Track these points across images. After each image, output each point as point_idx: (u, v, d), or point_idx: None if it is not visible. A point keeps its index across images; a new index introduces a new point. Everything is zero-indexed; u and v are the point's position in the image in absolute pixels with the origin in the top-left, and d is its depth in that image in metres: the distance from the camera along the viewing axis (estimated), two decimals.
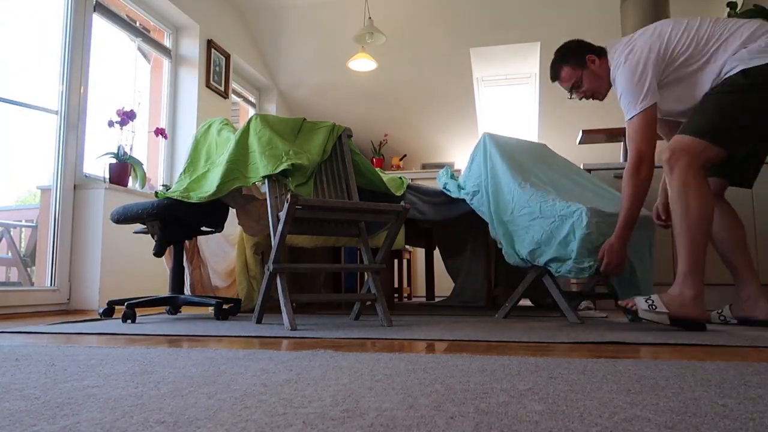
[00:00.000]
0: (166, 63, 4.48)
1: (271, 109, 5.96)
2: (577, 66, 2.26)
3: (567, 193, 2.46)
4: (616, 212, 2.25)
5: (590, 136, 4.01)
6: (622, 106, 2.09)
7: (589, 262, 2.20)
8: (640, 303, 1.91)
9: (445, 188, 2.90)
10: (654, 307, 1.89)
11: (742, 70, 1.92)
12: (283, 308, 2.02)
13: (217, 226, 2.70)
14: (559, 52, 2.34)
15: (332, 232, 2.35)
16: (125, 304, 2.34)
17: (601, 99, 2.31)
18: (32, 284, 3.53)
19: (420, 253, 5.29)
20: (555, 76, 2.36)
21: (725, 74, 1.97)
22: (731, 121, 1.96)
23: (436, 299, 4.13)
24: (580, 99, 2.37)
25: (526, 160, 2.66)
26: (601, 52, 2.24)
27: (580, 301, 2.85)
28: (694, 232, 1.90)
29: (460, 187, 2.78)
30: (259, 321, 2.21)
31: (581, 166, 3.21)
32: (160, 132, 3.86)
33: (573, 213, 2.26)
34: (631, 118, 2.05)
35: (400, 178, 3.03)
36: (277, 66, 5.78)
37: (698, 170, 1.94)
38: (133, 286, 3.45)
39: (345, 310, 3.16)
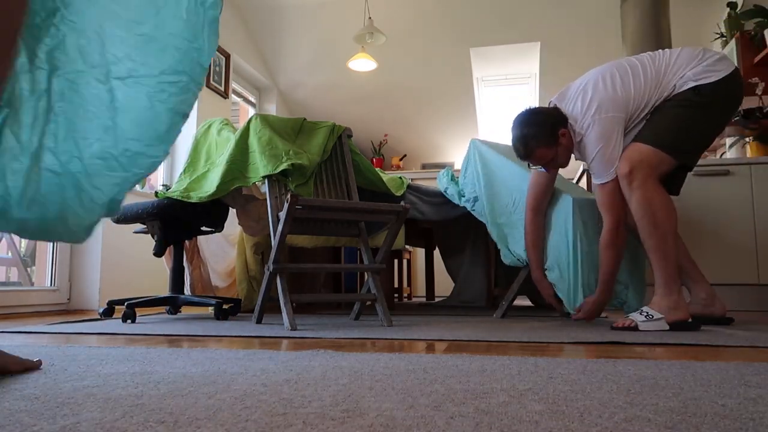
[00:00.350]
0: None
1: (271, 109, 5.96)
2: (551, 144, 2.10)
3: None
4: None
5: None
6: (594, 169, 2.05)
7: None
8: (637, 317, 1.93)
9: (445, 192, 2.90)
10: (651, 316, 1.92)
11: (694, 87, 1.95)
12: (283, 308, 2.02)
13: (217, 226, 2.70)
14: (528, 129, 2.12)
15: (332, 232, 2.36)
16: (125, 304, 2.34)
17: (565, 167, 2.21)
18: (32, 284, 3.53)
19: (420, 253, 5.29)
20: (527, 155, 2.14)
21: (676, 91, 1.98)
22: (687, 134, 2.00)
23: (436, 299, 4.13)
24: (548, 171, 2.25)
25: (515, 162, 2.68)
26: (565, 120, 2.10)
27: None
28: (665, 243, 1.94)
29: (460, 195, 2.80)
30: (259, 321, 2.21)
31: (581, 167, 3.21)
32: None
33: (564, 206, 2.30)
34: (604, 183, 2.04)
35: (400, 178, 3.04)
36: (277, 66, 5.78)
37: (656, 181, 1.97)
38: (133, 286, 3.45)
39: (345, 310, 3.16)
